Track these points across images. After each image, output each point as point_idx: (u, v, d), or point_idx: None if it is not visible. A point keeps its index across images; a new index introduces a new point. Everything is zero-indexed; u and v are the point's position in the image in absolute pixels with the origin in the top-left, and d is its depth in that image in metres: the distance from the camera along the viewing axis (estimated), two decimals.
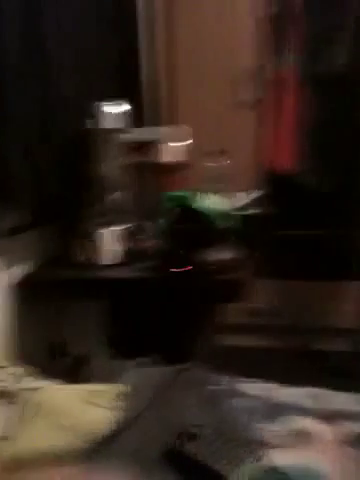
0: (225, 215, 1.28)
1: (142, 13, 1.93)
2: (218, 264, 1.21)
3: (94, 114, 1.30)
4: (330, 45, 2.16)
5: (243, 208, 1.51)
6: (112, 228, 1.31)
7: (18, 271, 1.27)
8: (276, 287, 2.17)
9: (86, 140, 1.32)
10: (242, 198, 1.58)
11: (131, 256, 1.33)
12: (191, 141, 1.64)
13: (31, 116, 1.17)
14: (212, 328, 1.48)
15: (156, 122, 1.95)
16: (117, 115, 1.33)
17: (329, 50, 2.16)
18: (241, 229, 1.34)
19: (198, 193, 1.29)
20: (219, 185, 1.66)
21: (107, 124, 1.31)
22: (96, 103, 1.31)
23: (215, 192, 1.46)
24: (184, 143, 1.55)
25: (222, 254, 1.23)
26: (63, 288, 1.29)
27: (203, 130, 1.87)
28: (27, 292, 1.27)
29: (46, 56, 1.23)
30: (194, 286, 1.23)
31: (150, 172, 1.47)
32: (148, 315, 1.33)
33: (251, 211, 1.54)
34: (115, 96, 1.41)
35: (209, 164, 1.71)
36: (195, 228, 1.23)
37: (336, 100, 2.15)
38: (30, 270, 1.31)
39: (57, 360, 1.33)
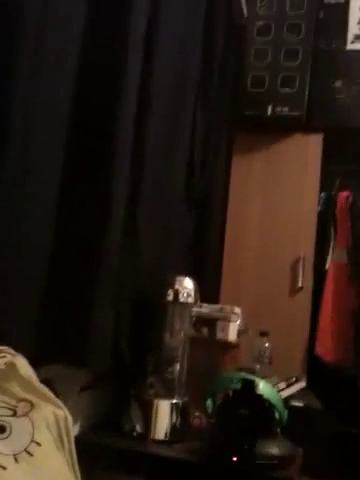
0: (280, 406, 1.31)
1: (218, 203, 2.22)
2: (266, 458, 1.22)
3: (172, 287, 1.45)
4: None
5: (286, 398, 1.54)
6: (166, 400, 1.36)
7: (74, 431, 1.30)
8: None
9: (161, 311, 1.45)
10: (284, 387, 1.61)
11: (180, 433, 1.35)
12: (243, 321, 1.76)
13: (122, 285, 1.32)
14: None
15: (214, 300, 2.09)
16: (191, 290, 1.47)
17: None
18: (286, 421, 1.36)
19: (257, 378, 1.33)
20: (260, 367, 1.72)
21: (182, 298, 1.45)
22: (174, 277, 1.46)
23: (260, 377, 1.49)
24: (242, 323, 1.67)
25: (271, 447, 1.24)
26: (105, 456, 1.30)
27: (251, 311, 2.01)
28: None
29: (138, 239, 1.43)
30: (239, 478, 1.22)
31: (208, 348, 1.56)
32: None
33: (295, 403, 1.57)
34: (185, 271, 1.57)
35: (254, 344, 1.80)
36: (251, 415, 1.26)
37: None
38: (78, 432, 1.34)
39: None
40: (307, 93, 2.32)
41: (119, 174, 1.29)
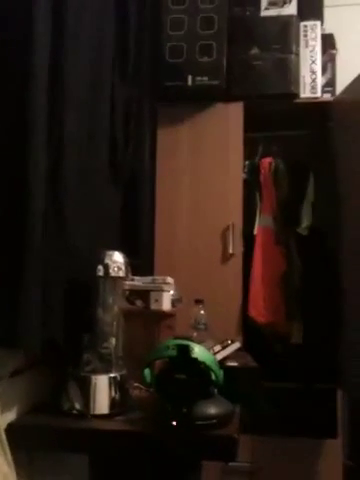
0: (215, 367, 1.34)
1: (146, 176, 2.21)
2: (204, 419, 1.25)
3: (102, 262, 1.43)
4: (296, 209, 2.47)
5: (222, 360, 1.59)
6: (104, 376, 1.36)
7: (10, 415, 1.28)
8: (257, 444, 2.17)
9: (92, 286, 1.43)
10: (219, 349, 1.66)
11: (120, 406, 1.36)
12: (176, 291, 1.78)
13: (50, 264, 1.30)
14: None
15: (149, 272, 2.11)
16: (121, 264, 1.46)
17: (296, 213, 2.46)
18: (223, 382, 1.40)
19: (191, 342, 1.36)
20: (197, 334, 1.76)
21: (113, 272, 1.44)
22: (104, 252, 1.45)
23: (195, 342, 1.52)
24: (175, 292, 1.69)
25: (209, 408, 1.28)
26: (47, 437, 1.29)
27: (185, 280, 2.04)
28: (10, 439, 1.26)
29: (63, 217, 1.40)
30: (179, 441, 1.25)
31: (143, 320, 1.57)
32: (131, 468, 1.32)
33: (231, 363, 1.62)
34: (116, 246, 1.57)
35: (190, 313, 1.84)
36: (188, 379, 1.28)
37: (307, 257, 2.39)
38: (16, 416, 1.32)
39: None
40: (225, 61, 2.34)
41: (36, 153, 1.25)
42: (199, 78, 2.29)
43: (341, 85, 2.40)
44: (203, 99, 2.36)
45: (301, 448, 2.22)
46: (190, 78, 2.28)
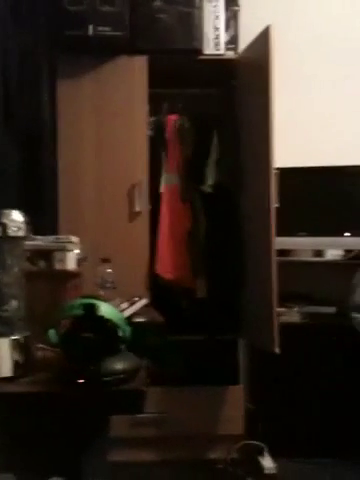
0: (122, 324, 1.35)
1: (46, 130, 2.09)
2: (112, 374, 1.26)
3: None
4: (201, 167, 2.50)
5: (130, 317, 1.61)
6: (5, 338, 1.32)
7: None
8: (165, 395, 2.24)
9: None
10: (126, 307, 1.68)
11: (24, 367, 1.32)
12: (81, 250, 1.75)
13: None
14: (102, 442, 1.49)
15: (53, 231, 2.03)
16: (21, 223, 1.39)
17: (201, 171, 2.49)
18: (130, 337, 1.42)
19: (97, 301, 1.34)
20: (104, 293, 1.76)
21: (12, 232, 1.37)
22: (1, 211, 1.37)
23: (102, 300, 1.52)
24: (81, 251, 1.66)
25: (116, 364, 1.29)
26: None
27: (91, 239, 2.00)
28: None
29: None
30: (87, 398, 1.26)
31: (47, 280, 1.52)
32: (39, 429, 1.30)
33: (138, 319, 1.64)
34: (16, 204, 1.48)
35: (97, 272, 1.82)
36: (95, 337, 1.28)
37: (211, 214, 2.44)
38: None
39: None
40: (128, 12, 2.25)
41: None
42: (101, 28, 2.19)
43: (244, 43, 2.41)
44: (105, 51, 2.27)
45: (206, 396, 2.34)
46: (91, 28, 2.17)
